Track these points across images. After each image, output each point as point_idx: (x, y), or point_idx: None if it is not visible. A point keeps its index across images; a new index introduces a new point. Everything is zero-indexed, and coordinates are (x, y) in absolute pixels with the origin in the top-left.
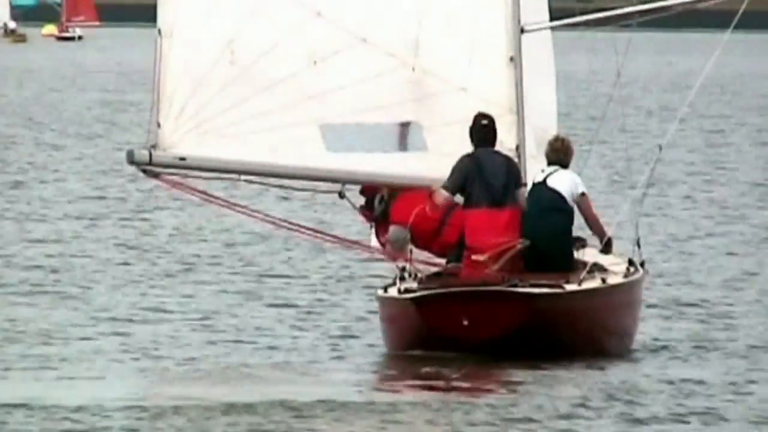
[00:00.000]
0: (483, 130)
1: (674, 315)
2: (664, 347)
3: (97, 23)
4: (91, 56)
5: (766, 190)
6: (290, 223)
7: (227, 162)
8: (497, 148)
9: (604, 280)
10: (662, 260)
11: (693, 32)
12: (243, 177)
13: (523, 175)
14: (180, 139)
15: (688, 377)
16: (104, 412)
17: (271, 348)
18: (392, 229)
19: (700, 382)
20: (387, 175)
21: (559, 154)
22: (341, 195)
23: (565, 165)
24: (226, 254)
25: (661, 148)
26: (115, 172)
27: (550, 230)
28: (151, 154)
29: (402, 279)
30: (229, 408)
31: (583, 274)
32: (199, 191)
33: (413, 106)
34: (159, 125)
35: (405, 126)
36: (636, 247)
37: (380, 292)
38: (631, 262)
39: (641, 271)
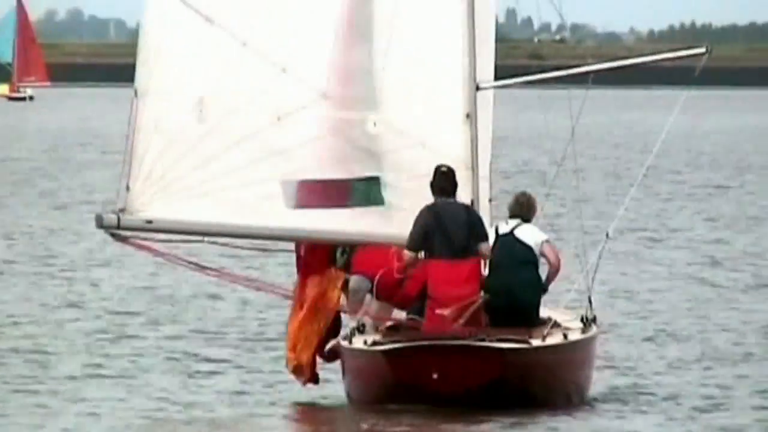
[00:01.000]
0: (443, 178)
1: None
2: (615, 399)
3: (48, 83)
4: (41, 116)
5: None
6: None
7: (192, 224)
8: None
9: (565, 336)
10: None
11: (657, 89)
12: (206, 239)
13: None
14: (148, 201)
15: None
16: None
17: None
18: (354, 278)
19: None
20: (346, 233)
21: (523, 208)
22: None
23: (527, 220)
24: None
25: (608, 235)
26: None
27: (523, 283)
28: (119, 218)
29: (360, 331)
30: None
31: (547, 329)
32: (167, 254)
33: (373, 162)
34: (128, 188)
35: (364, 182)
36: (588, 303)
37: (344, 343)
38: (583, 319)
39: (595, 327)
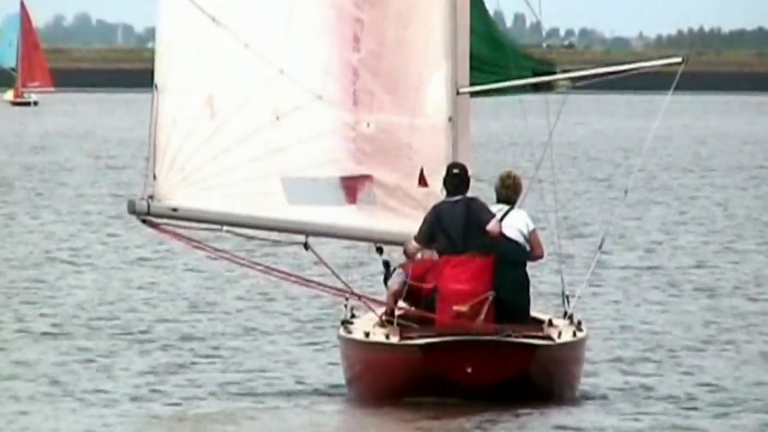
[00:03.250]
0: (455, 179)
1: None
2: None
3: (52, 89)
4: (46, 121)
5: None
6: (271, 269)
7: (210, 213)
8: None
9: (575, 334)
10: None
11: (636, 94)
12: (225, 228)
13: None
14: (172, 189)
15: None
16: None
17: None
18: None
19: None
20: (341, 228)
21: (509, 191)
22: (306, 246)
23: (513, 202)
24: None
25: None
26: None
27: (511, 285)
28: (149, 205)
29: (350, 323)
30: None
31: (563, 327)
32: (194, 240)
33: (366, 162)
34: (155, 177)
35: (356, 180)
36: (566, 302)
37: (360, 336)
38: (570, 317)
39: (584, 327)
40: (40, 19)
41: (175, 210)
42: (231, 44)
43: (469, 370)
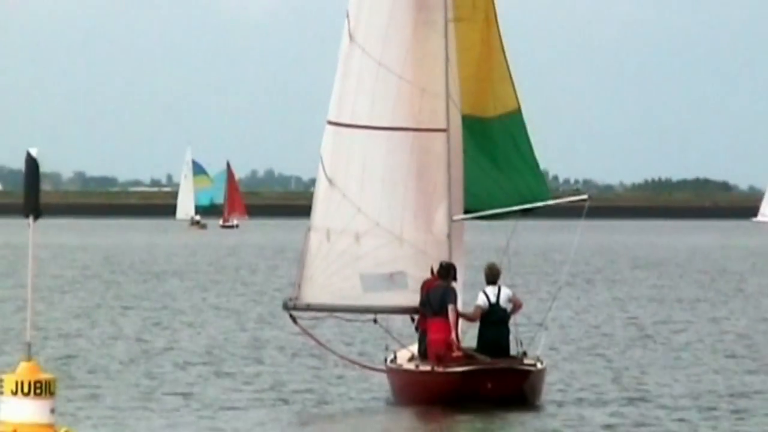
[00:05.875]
0: (441, 272)
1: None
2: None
3: (246, 217)
4: (244, 238)
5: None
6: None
7: (325, 305)
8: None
9: (541, 363)
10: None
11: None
12: (334, 314)
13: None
14: (306, 293)
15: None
16: None
17: None
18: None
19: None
20: (388, 305)
21: (495, 274)
22: (375, 320)
23: (496, 281)
24: None
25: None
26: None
27: (504, 335)
28: (294, 305)
29: (393, 360)
30: None
31: (536, 359)
32: (311, 335)
33: (402, 261)
34: (299, 286)
35: (396, 275)
36: (519, 343)
37: (409, 365)
38: (522, 353)
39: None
40: (240, 173)
41: (308, 305)
42: (342, 200)
43: (489, 385)
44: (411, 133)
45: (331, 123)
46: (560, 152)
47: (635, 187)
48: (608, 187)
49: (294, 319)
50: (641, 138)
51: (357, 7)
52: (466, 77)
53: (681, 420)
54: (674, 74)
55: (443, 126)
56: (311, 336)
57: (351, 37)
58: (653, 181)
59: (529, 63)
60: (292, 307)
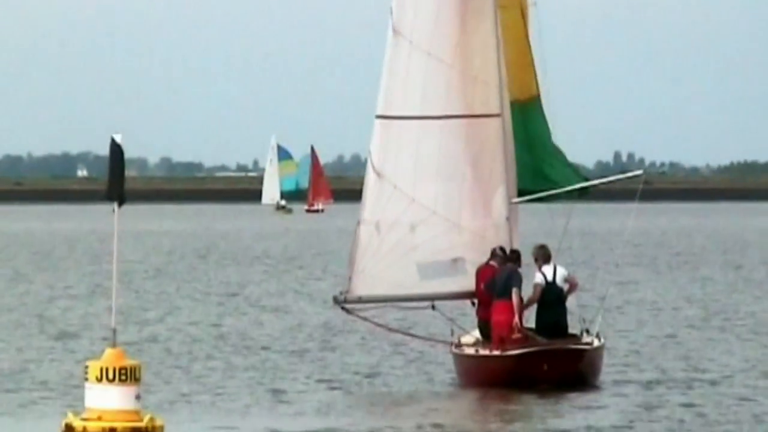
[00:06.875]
0: (502, 256)
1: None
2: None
3: (331, 201)
4: (327, 222)
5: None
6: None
7: (378, 296)
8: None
9: (599, 340)
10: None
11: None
12: (389, 304)
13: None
14: (358, 286)
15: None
16: None
17: None
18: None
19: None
20: (447, 292)
21: (548, 254)
22: (433, 307)
23: (550, 261)
24: None
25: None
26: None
27: (562, 313)
28: (345, 298)
29: (459, 345)
30: None
31: (593, 337)
32: (370, 320)
33: (460, 248)
34: (350, 279)
35: (457, 260)
36: (583, 322)
37: (470, 351)
38: (587, 332)
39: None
40: (327, 157)
41: (360, 297)
42: (394, 191)
43: (545, 367)
44: (464, 120)
45: (379, 117)
46: (647, 134)
47: (721, 170)
48: (694, 170)
49: (348, 311)
50: (728, 120)
51: (401, 1)
52: (509, 63)
53: (747, 400)
54: (764, 55)
55: (496, 111)
56: (373, 322)
57: (396, 30)
58: (739, 163)
59: (613, 44)
60: (342, 300)
